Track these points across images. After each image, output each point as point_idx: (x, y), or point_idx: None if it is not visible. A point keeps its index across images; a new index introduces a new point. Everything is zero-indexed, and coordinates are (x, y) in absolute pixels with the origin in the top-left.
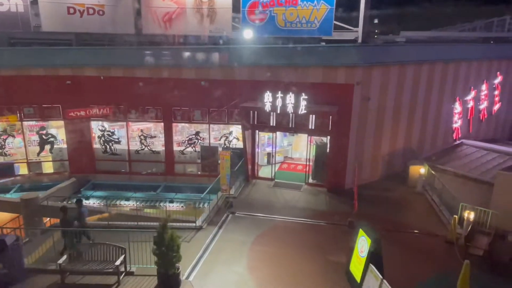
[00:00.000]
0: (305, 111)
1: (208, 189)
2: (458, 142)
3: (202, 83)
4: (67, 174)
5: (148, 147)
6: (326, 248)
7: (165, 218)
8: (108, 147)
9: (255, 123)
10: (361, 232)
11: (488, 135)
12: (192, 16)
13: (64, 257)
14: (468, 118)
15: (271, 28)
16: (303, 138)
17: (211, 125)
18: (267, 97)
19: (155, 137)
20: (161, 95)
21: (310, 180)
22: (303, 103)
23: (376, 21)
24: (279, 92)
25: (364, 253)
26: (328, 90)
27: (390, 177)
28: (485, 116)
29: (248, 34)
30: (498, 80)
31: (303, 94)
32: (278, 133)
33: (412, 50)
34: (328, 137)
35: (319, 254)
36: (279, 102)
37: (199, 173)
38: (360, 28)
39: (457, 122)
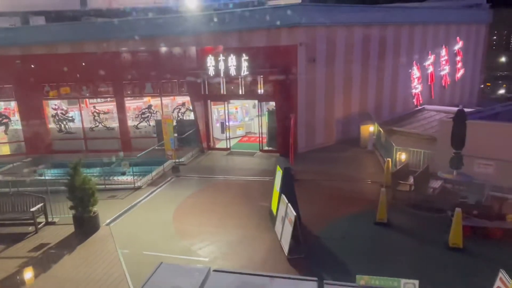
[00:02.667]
0: (248, 73)
1: (143, 153)
2: (419, 107)
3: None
4: (24, 155)
5: (102, 124)
6: (259, 197)
7: (79, 159)
8: (62, 125)
9: (206, 92)
10: (278, 168)
11: (454, 102)
12: None
13: None
14: (429, 83)
15: None
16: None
17: (163, 98)
18: (210, 61)
19: (108, 113)
20: (110, 69)
21: (265, 148)
22: (244, 65)
23: None
24: (221, 55)
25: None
26: (273, 53)
27: (346, 141)
28: (448, 83)
29: (191, 2)
30: (458, 45)
31: (243, 55)
32: (239, 108)
33: (359, 12)
34: (276, 101)
35: (251, 202)
36: (221, 66)
37: (156, 147)
38: None
39: (417, 88)
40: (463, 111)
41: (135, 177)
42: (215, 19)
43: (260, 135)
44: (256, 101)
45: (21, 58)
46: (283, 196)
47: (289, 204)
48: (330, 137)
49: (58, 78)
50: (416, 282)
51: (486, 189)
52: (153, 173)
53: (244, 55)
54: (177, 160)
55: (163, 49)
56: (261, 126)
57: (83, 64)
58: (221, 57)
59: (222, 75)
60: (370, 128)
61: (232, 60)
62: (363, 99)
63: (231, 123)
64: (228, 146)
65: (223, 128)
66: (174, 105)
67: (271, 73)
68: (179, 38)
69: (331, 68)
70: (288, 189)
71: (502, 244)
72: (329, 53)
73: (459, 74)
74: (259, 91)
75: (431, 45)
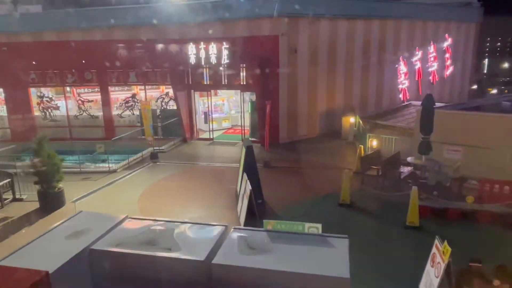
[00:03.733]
0: (230, 63)
1: (118, 137)
2: (406, 103)
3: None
4: (9, 142)
5: (87, 112)
6: (230, 181)
7: (43, 134)
8: (47, 113)
9: (190, 82)
10: (243, 149)
11: (443, 99)
12: None
13: None
14: (417, 79)
15: None
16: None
17: (147, 87)
18: (192, 50)
19: (92, 101)
20: (95, 58)
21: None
22: (225, 54)
23: None
24: (202, 44)
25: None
26: (255, 43)
27: (329, 134)
28: (437, 79)
29: None
30: (447, 42)
31: (224, 44)
32: (226, 100)
33: (343, 5)
34: (257, 91)
35: (221, 185)
36: (203, 55)
37: (139, 137)
38: None
39: (404, 83)
40: (431, 96)
41: (112, 163)
42: (198, 9)
43: (243, 126)
44: (239, 92)
45: (8, 45)
46: (244, 174)
47: (247, 180)
48: (313, 129)
49: (44, 66)
50: (319, 225)
51: (450, 172)
52: (130, 159)
53: (225, 44)
54: (157, 148)
55: (147, 38)
56: (244, 117)
57: (69, 52)
58: (203, 47)
59: (203, 64)
60: (351, 120)
61: (213, 49)
62: (348, 93)
63: (217, 115)
64: (212, 137)
65: (207, 118)
66: (161, 95)
67: (252, 63)
68: (162, 27)
69: (314, 60)
70: (249, 166)
71: (459, 224)
72: (312, 45)
73: (448, 71)
74: (241, 81)
75: (418, 41)
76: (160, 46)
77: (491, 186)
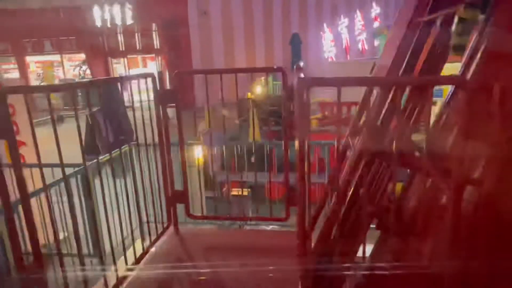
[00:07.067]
0: (139, 26)
1: None
2: None
3: None
4: None
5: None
6: None
7: None
8: None
9: (105, 49)
10: None
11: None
12: None
13: None
14: (344, 48)
15: None
16: None
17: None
18: (97, 13)
19: (9, 71)
20: (8, 27)
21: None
22: (129, 15)
23: None
24: (105, 5)
25: None
26: (161, 4)
27: None
28: (366, 49)
29: None
30: (376, 11)
31: (127, 4)
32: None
33: None
34: (169, 56)
35: None
36: (108, 18)
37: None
38: None
39: (331, 51)
40: (297, 35)
41: None
42: None
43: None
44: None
45: None
46: None
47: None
48: (232, 96)
49: None
50: None
51: None
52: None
53: (128, 5)
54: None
55: (54, 5)
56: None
57: None
58: (107, 8)
59: (113, 29)
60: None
61: (117, 11)
62: (269, 59)
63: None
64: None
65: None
66: (78, 63)
67: (162, 26)
68: None
69: (228, 24)
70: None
71: None
72: (225, 8)
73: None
74: (155, 46)
75: (344, 8)
76: (67, 12)
77: (331, 108)
